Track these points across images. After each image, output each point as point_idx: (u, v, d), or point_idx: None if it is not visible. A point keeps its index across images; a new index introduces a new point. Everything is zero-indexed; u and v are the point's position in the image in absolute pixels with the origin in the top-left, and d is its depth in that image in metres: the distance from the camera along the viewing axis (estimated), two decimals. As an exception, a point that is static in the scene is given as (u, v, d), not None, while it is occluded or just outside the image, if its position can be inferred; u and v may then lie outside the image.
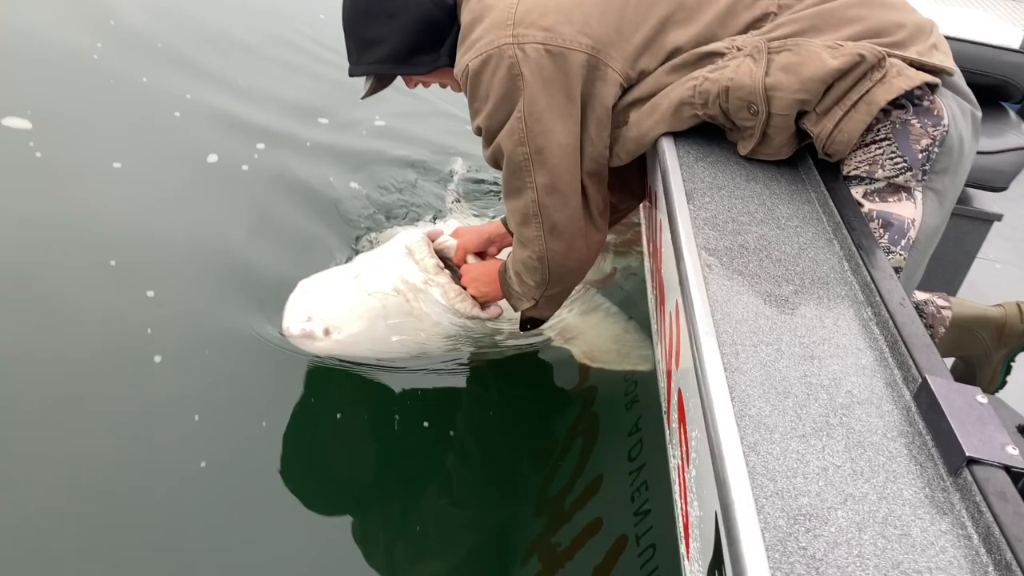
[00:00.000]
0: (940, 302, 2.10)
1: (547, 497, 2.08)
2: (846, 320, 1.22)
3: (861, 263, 1.30)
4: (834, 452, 0.99)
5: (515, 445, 2.21)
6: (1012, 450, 0.95)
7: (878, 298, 1.23)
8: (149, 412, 2.04)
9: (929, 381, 1.03)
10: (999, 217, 2.56)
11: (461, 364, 2.36)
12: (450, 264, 2.28)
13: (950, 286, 2.65)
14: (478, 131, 1.77)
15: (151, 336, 2.24)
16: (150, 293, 2.39)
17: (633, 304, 2.60)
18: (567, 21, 1.61)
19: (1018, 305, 2.16)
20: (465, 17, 1.73)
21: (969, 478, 0.93)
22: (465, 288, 2.19)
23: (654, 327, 2.16)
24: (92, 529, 1.76)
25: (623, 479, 2.08)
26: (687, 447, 1.32)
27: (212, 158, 3.08)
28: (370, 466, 2.09)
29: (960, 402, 1.01)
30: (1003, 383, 2.27)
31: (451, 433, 2.22)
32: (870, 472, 0.97)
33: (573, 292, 2.21)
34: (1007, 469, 0.93)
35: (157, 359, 2.18)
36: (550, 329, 2.45)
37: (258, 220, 2.79)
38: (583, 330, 2.52)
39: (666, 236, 1.55)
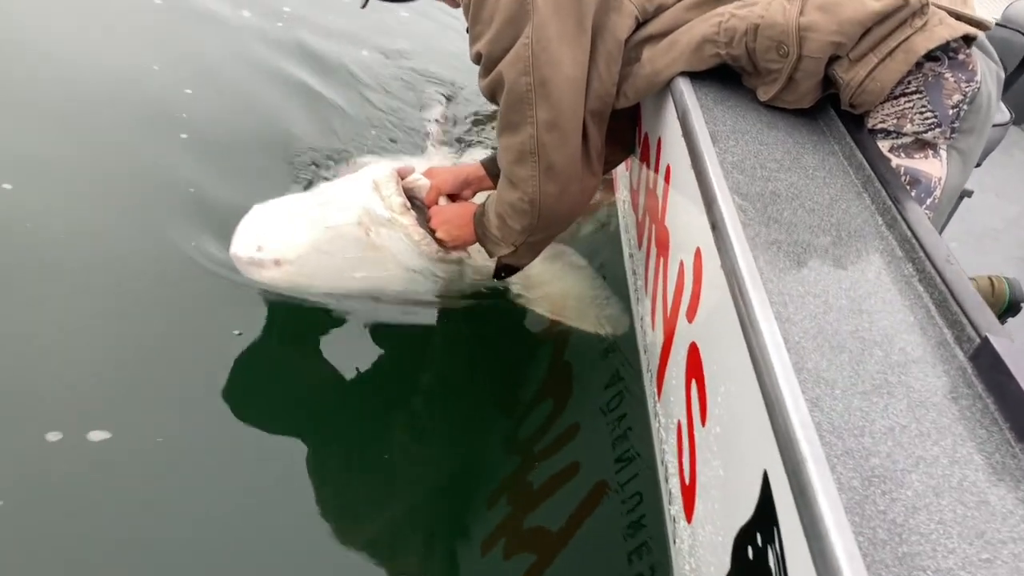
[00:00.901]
0: None
1: (520, 439, 2.00)
2: (888, 275, 1.15)
3: (899, 217, 1.24)
4: (897, 412, 0.92)
5: (485, 387, 2.12)
6: (1083, 417, 0.89)
7: (921, 254, 1.16)
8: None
9: (992, 341, 0.97)
10: (970, 194, 2.56)
11: (429, 302, 2.22)
12: (419, 205, 2.14)
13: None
14: (477, 58, 1.63)
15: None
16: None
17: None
18: None
19: (990, 279, 2.16)
20: None
21: (1044, 445, 0.87)
22: (434, 231, 2.05)
23: (636, 283, 2.08)
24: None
25: (601, 426, 2.00)
26: (703, 404, 1.23)
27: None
28: (332, 402, 1.97)
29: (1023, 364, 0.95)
30: None
31: (418, 373, 2.11)
32: (937, 434, 0.90)
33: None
34: (1079, 437, 0.88)
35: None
36: (514, 279, 2.33)
37: (223, 129, 2.59)
38: (547, 280, 2.41)
39: (681, 182, 1.46)
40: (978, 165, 2.53)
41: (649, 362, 1.78)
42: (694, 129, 1.37)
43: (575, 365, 2.24)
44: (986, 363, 0.98)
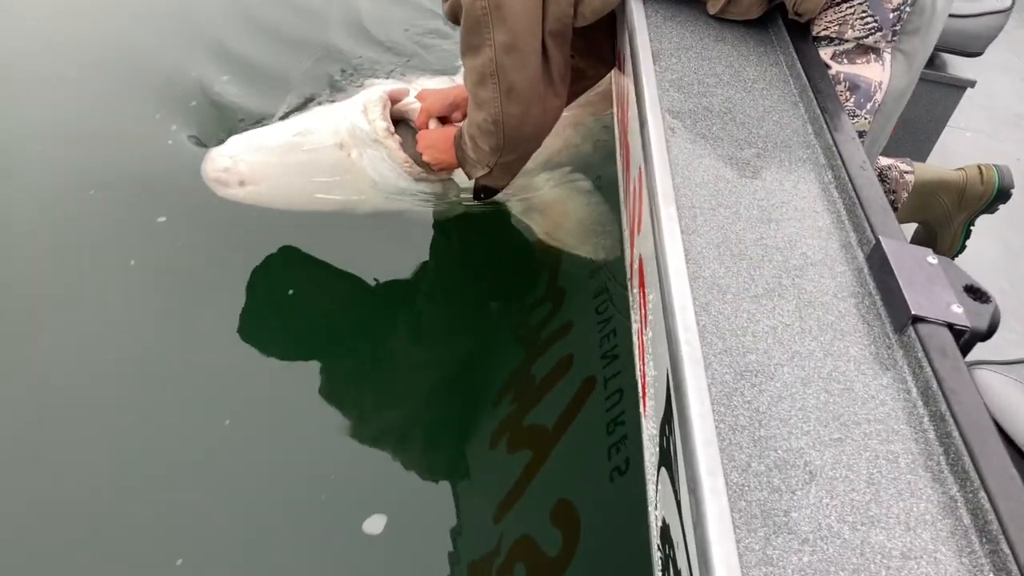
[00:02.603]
0: (903, 167, 2.10)
1: (515, 339, 2.12)
2: (806, 183, 1.22)
3: (825, 126, 1.29)
4: (784, 312, 1.01)
5: (481, 294, 2.23)
6: (957, 308, 0.97)
7: (839, 161, 1.22)
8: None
9: (882, 242, 1.05)
10: (972, 84, 2.53)
11: (421, 214, 2.33)
12: (412, 127, 2.23)
13: (920, 153, 2.64)
14: None
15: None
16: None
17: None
18: None
19: (979, 168, 2.17)
20: None
21: (913, 335, 0.96)
22: (420, 154, 2.13)
23: (621, 196, 2.15)
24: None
25: (591, 326, 2.11)
26: (645, 310, 1.34)
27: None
28: (329, 310, 2.11)
29: (911, 262, 1.02)
30: (963, 247, 2.30)
31: (412, 281, 2.22)
32: (818, 331, 0.99)
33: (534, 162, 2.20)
34: (950, 327, 0.96)
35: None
36: (514, 197, 2.41)
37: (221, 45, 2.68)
38: (551, 202, 2.48)
39: (631, 98, 1.53)
40: (979, 54, 2.51)
41: (628, 269, 1.88)
42: (637, 49, 1.43)
43: (568, 274, 2.33)
44: (877, 263, 1.06)
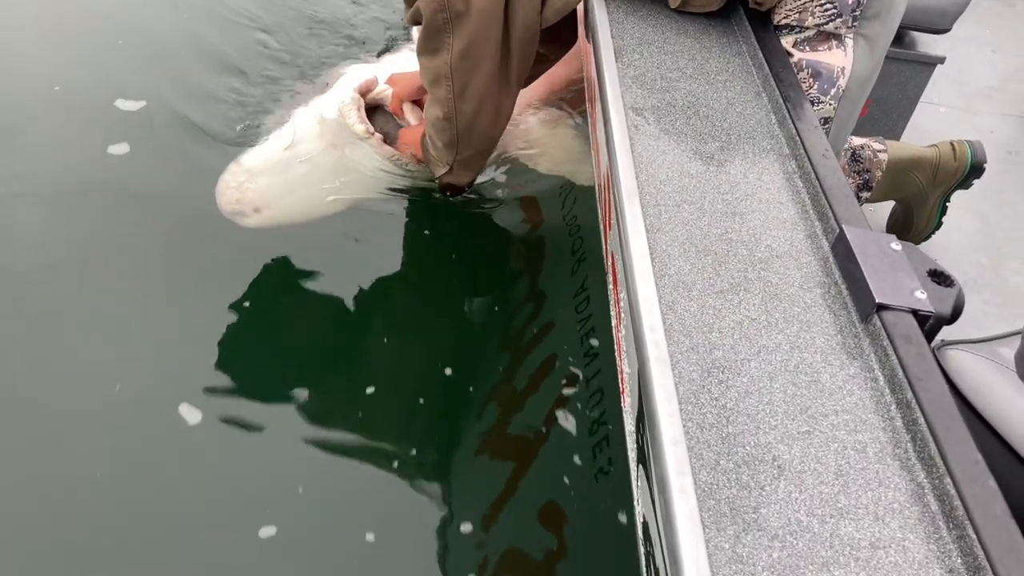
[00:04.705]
0: (876, 146, 2.11)
1: (499, 338, 2.11)
2: (770, 174, 1.22)
3: (787, 116, 1.30)
4: (751, 306, 1.02)
5: (459, 296, 2.22)
6: (920, 294, 0.98)
7: (802, 150, 1.23)
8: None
9: (845, 231, 1.05)
10: (942, 60, 2.54)
11: (398, 211, 2.34)
12: (386, 115, 2.31)
13: (894, 131, 2.65)
14: None
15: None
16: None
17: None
18: None
19: (951, 144, 2.18)
20: None
21: (878, 323, 0.96)
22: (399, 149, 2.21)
23: (597, 191, 2.16)
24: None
25: (571, 327, 2.11)
26: (618, 306, 1.34)
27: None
28: (311, 310, 2.09)
29: (874, 250, 1.03)
30: (939, 223, 2.32)
31: (387, 283, 2.20)
32: (784, 323, 1.00)
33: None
34: (914, 313, 0.96)
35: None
36: (519, 146, 2.48)
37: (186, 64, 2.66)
38: (543, 137, 2.55)
39: (596, 96, 1.53)
40: (947, 31, 2.52)
41: (607, 265, 1.89)
42: (599, 45, 1.44)
43: (548, 272, 2.33)
44: (841, 252, 1.06)
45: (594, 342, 2.06)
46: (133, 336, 1.91)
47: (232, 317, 2.00)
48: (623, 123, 1.25)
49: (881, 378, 0.94)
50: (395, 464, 1.80)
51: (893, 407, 0.91)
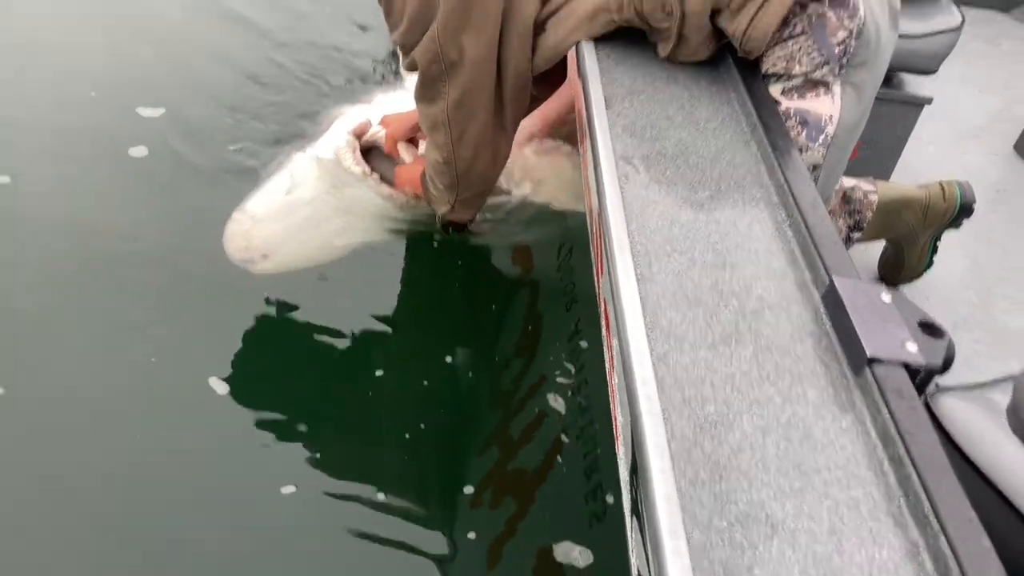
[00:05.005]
0: (866, 187, 2.13)
1: (490, 390, 2.11)
2: (760, 224, 1.23)
3: (776, 164, 1.31)
4: (742, 359, 1.01)
5: (458, 332, 2.23)
6: (911, 347, 0.98)
7: (791, 199, 1.24)
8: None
9: (835, 282, 1.05)
10: (930, 100, 2.57)
11: (397, 249, 2.36)
12: (381, 156, 2.37)
13: (884, 171, 2.67)
14: (394, 44, 1.75)
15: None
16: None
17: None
18: None
19: (940, 185, 2.20)
20: None
21: (870, 377, 0.96)
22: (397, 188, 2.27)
23: (590, 233, 2.17)
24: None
25: (565, 372, 2.11)
26: (611, 353, 1.34)
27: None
28: (304, 355, 2.09)
29: (864, 301, 1.03)
30: (931, 263, 2.33)
31: (390, 317, 2.22)
32: (776, 376, 1.00)
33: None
34: (906, 366, 0.96)
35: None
36: (516, 177, 2.50)
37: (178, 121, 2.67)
38: (541, 168, 2.57)
39: (586, 144, 1.54)
40: (934, 72, 2.55)
41: (600, 307, 1.89)
42: (589, 94, 1.45)
43: (543, 317, 2.33)
44: (831, 303, 1.06)
45: (586, 389, 2.05)
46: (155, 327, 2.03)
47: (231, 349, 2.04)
48: (613, 172, 1.26)
49: (873, 432, 0.93)
50: (390, 514, 1.79)
51: (886, 462, 0.90)
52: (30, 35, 3.07)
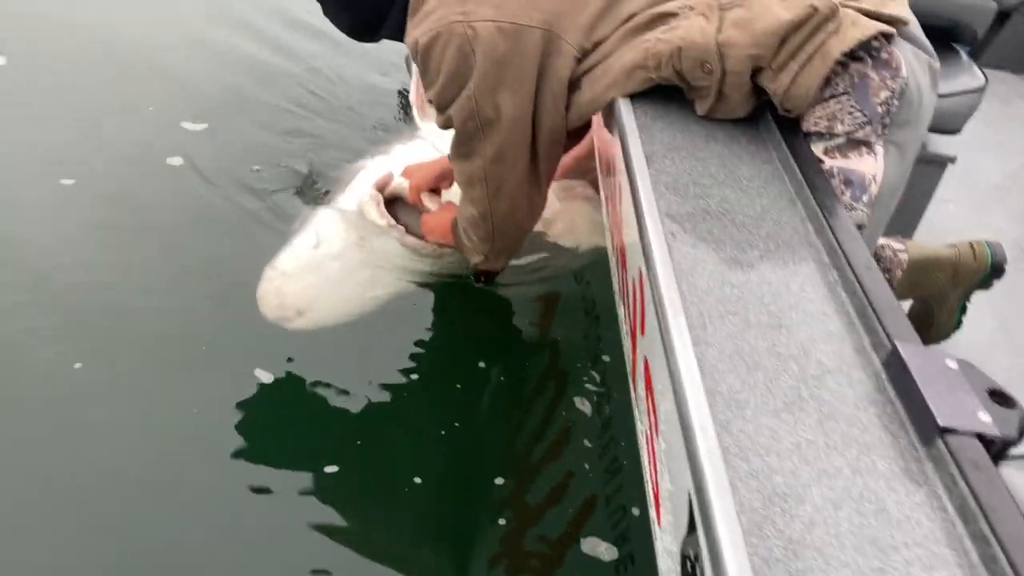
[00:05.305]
0: (896, 245, 2.11)
1: (514, 450, 2.07)
2: (812, 285, 1.20)
3: (825, 224, 1.28)
4: (807, 426, 0.97)
5: (479, 383, 2.21)
6: (984, 416, 0.94)
7: (843, 261, 1.21)
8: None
9: (899, 347, 1.02)
10: (953, 160, 2.57)
11: (424, 300, 2.36)
12: (406, 206, 2.38)
13: (907, 229, 2.65)
14: (430, 101, 1.76)
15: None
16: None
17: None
18: None
19: (970, 244, 2.18)
20: None
21: (943, 448, 0.92)
22: (422, 238, 2.28)
23: (616, 285, 2.14)
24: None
25: (592, 434, 2.07)
26: (655, 417, 1.30)
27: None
28: (323, 413, 2.06)
29: (930, 368, 0.99)
30: (959, 323, 2.29)
31: (406, 371, 2.20)
32: (843, 445, 0.95)
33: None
34: (980, 437, 0.92)
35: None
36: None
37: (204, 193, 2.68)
38: (561, 213, 2.60)
39: (626, 201, 1.51)
40: (957, 132, 2.55)
41: (628, 365, 1.85)
42: (630, 152, 1.43)
43: (566, 372, 2.30)
44: (895, 369, 1.03)
45: (615, 452, 2.01)
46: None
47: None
48: (660, 231, 1.24)
49: (950, 507, 0.89)
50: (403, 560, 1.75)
51: (967, 540, 0.86)
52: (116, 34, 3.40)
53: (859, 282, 1.15)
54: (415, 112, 3.04)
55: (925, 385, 0.97)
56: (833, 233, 1.25)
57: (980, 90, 2.48)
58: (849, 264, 1.19)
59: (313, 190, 2.67)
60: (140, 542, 1.67)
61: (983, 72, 2.52)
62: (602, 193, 2.52)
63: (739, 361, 1.05)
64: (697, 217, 1.30)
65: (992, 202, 3.18)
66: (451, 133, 1.89)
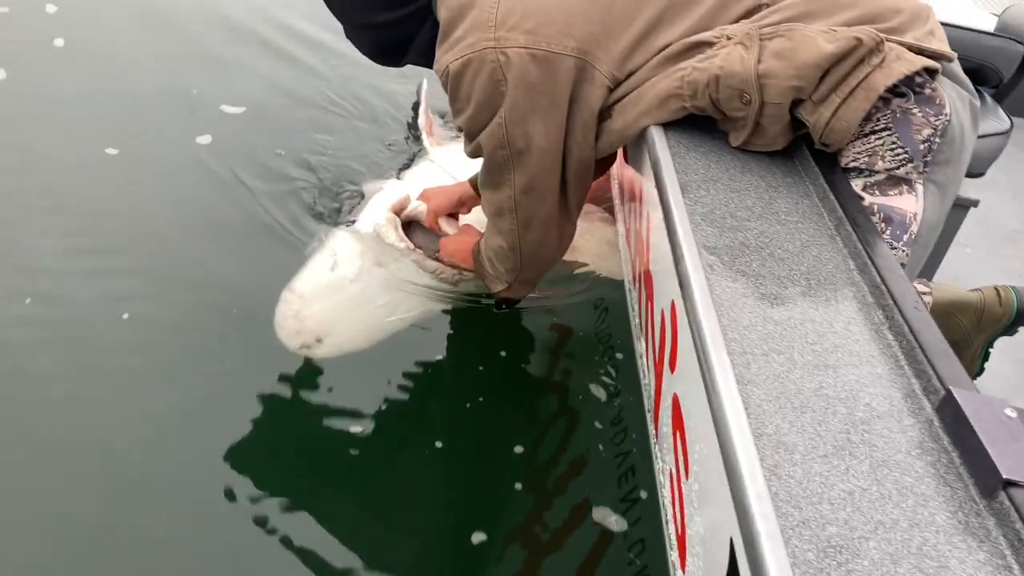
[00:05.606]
0: (921, 288, 2.06)
1: (529, 480, 2.01)
2: (857, 325, 1.15)
3: (869, 262, 1.24)
4: (859, 474, 0.92)
5: (491, 413, 2.14)
6: (1048, 469, 0.89)
7: (890, 301, 1.16)
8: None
9: (955, 394, 0.97)
10: (976, 203, 2.53)
11: (440, 325, 2.32)
12: (423, 230, 2.35)
13: (928, 272, 2.61)
14: (459, 129, 1.72)
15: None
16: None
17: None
18: (550, 22, 1.54)
19: (996, 289, 2.14)
20: (443, 13, 1.65)
21: (1006, 502, 0.87)
22: (442, 261, 2.24)
23: (635, 319, 2.09)
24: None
25: (608, 460, 2.02)
26: (686, 457, 1.24)
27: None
28: (335, 434, 2.01)
29: (989, 417, 0.94)
30: (981, 369, 2.25)
31: (417, 400, 2.16)
32: (898, 496, 0.90)
33: None
34: (1045, 491, 0.87)
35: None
36: None
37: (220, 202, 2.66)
38: (580, 235, 2.54)
39: (657, 231, 1.47)
40: (981, 175, 2.52)
41: (648, 402, 1.79)
42: (664, 181, 1.39)
43: (582, 397, 2.25)
44: (950, 416, 0.98)
45: (632, 484, 1.95)
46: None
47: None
48: (698, 263, 1.19)
49: (1016, 567, 0.83)
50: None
51: (1036, 603, 0.80)
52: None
53: (908, 324, 1.11)
54: (424, 137, 3.02)
55: (985, 434, 0.92)
56: (878, 272, 1.21)
57: (1006, 133, 2.45)
58: (896, 304, 1.14)
59: (330, 199, 2.67)
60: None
61: (1009, 116, 2.49)
62: (621, 222, 2.48)
63: (785, 402, 1.00)
64: (736, 250, 1.26)
65: (1008, 246, 3.15)
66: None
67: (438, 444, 1.98)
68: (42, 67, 3.12)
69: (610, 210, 2.69)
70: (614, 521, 1.88)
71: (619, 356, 2.32)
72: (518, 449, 2.02)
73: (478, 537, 1.81)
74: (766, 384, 1.02)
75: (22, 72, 3.04)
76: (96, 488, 1.73)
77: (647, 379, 1.81)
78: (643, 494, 1.94)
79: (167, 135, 2.89)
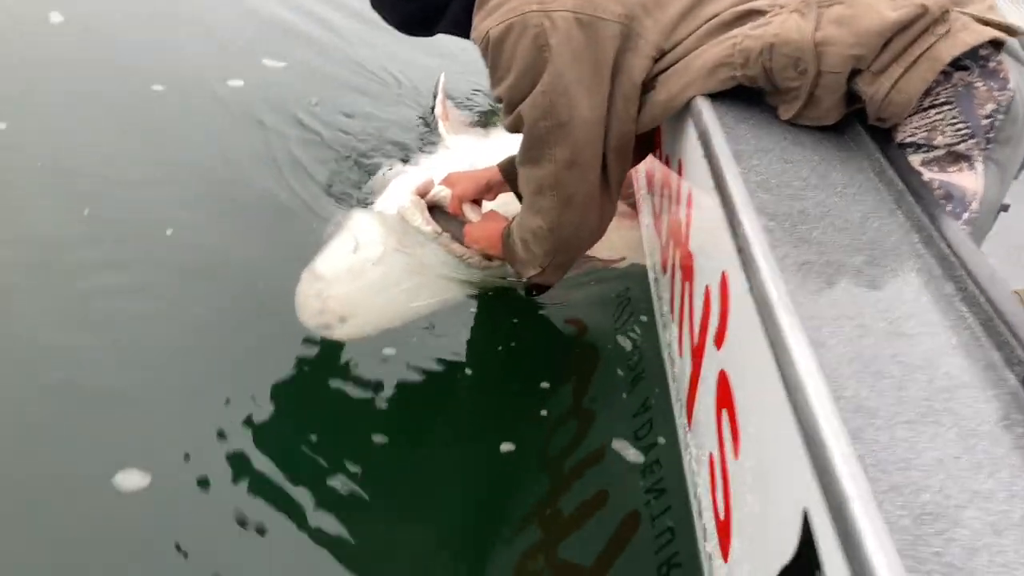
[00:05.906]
0: None
1: (547, 466, 1.94)
2: (927, 295, 1.08)
3: (935, 235, 1.17)
4: (947, 441, 0.85)
5: (511, 407, 2.08)
6: None
7: (962, 272, 1.10)
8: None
9: (1046, 364, 0.90)
10: (1006, 207, 2.47)
11: (465, 311, 2.27)
12: (446, 215, 2.25)
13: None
14: (498, 99, 1.65)
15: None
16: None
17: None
18: None
19: (1017, 294, 2.07)
20: None
21: (1111, 475, 0.80)
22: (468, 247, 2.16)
23: (662, 309, 2.02)
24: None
25: (631, 454, 1.94)
26: (735, 435, 1.17)
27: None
28: (356, 422, 1.96)
29: (1084, 389, 0.88)
30: None
31: (438, 389, 2.11)
32: (991, 466, 0.83)
33: None
34: None
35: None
36: None
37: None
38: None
39: (702, 207, 1.41)
40: (1015, 178, 2.46)
41: (678, 391, 1.72)
42: (715, 149, 1.32)
43: (604, 386, 2.18)
44: (1040, 388, 0.91)
45: (659, 474, 1.87)
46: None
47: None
48: (758, 226, 1.12)
49: (1125, 542, 0.76)
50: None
51: None
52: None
53: (985, 295, 1.04)
54: (440, 125, 2.97)
55: (1081, 404, 0.85)
56: (948, 244, 1.14)
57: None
58: (970, 275, 1.08)
59: (355, 174, 2.64)
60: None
61: None
62: (645, 213, 2.42)
63: (861, 366, 0.93)
64: (795, 217, 1.19)
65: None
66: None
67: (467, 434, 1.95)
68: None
69: (633, 205, 2.63)
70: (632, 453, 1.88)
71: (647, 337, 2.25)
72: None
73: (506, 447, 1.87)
74: (838, 348, 0.96)
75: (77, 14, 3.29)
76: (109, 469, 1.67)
77: (678, 367, 1.74)
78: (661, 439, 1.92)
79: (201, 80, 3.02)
